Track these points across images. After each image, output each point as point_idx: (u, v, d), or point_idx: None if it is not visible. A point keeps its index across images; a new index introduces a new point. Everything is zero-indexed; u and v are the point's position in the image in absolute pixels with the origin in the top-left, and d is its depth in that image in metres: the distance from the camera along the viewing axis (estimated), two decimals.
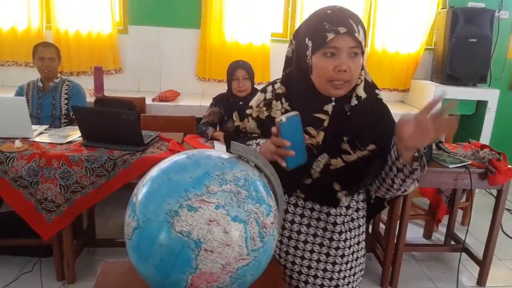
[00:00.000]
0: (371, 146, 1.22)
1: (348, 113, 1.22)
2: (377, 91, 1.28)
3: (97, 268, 2.67)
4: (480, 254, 2.82)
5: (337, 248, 1.32)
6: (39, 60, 3.00)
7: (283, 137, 1.06)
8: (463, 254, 2.84)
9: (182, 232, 0.74)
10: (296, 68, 1.26)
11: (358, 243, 1.37)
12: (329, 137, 1.22)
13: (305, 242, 1.32)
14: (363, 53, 1.17)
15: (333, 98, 1.21)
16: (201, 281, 0.77)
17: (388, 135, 1.19)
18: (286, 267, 1.36)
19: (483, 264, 2.77)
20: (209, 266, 0.75)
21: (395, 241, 2.69)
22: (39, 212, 2.33)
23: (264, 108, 1.31)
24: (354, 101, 1.21)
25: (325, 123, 1.22)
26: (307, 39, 1.17)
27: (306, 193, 1.30)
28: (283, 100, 1.28)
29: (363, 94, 1.22)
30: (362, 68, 1.23)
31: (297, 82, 1.26)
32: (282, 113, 1.24)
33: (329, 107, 1.22)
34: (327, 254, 1.32)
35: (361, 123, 1.22)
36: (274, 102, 1.30)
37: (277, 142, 1.08)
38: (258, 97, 1.35)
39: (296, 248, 1.34)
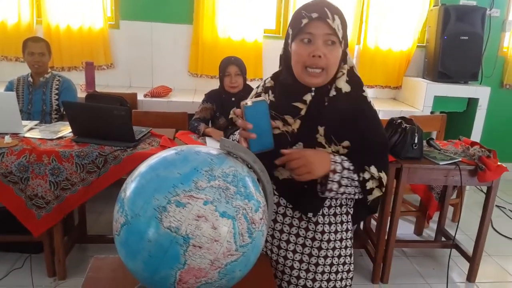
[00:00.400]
0: (346, 142, 1.24)
1: (326, 103, 1.24)
2: (364, 88, 1.28)
3: (88, 264, 2.64)
4: (470, 250, 2.84)
5: (319, 249, 1.34)
6: (29, 55, 2.97)
7: (246, 120, 1.09)
8: (453, 250, 2.86)
9: (171, 228, 0.74)
10: (283, 60, 1.31)
11: (341, 239, 1.37)
12: (305, 126, 1.24)
13: (294, 251, 1.34)
14: (342, 44, 1.20)
15: (312, 88, 1.24)
16: (190, 277, 0.76)
17: (365, 135, 1.24)
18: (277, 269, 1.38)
19: (473, 260, 2.80)
20: (198, 262, 0.75)
21: (386, 237, 2.71)
22: (29, 208, 2.31)
23: None
24: (332, 92, 1.24)
25: (302, 112, 1.25)
26: (289, 28, 1.25)
27: (281, 192, 1.31)
28: (270, 92, 1.33)
29: (344, 88, 1.24)
30: (345, 62, 1.25)
31: (283, 74, 1.31)
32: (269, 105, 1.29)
33: (308, 97, 1.25)
34: (310, 255, 1.34)
35: (337, 116, 1.23)
36: (262, 95, 1.35)
37: (241, 124, 1.12)
38: (253, 92, 1.43)
39: (285, 258, 1.35)
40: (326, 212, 1.32)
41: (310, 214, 1.29)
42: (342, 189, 1.21)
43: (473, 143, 2.76)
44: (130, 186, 0.81)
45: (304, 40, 1.18)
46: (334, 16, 1.16)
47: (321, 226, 1.32)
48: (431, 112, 4.08)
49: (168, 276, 0.76)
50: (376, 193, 1.26)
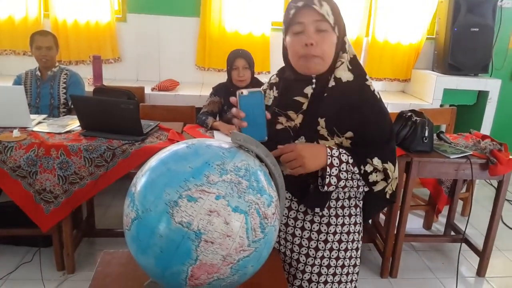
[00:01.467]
0: (349, 133, 1.21)
1: (325, 94, 1.21)
2: (367, 77, 1.26)
3: (96, 258, 2.66)
4: (480, 244, 2.82)
5: (325, 241, 1.32)
6: (36, 49, 2.97)
7: (240, 109, 1.08)
8: (463, 244, 2.84)
9: (182, 223, 0.73)
10: (283, 56, 1.31)
11: (348, 233, 1.34)
12: (306, 120, 1.23)
13: (300, 245, 1.33)
14: (336, 30, 1.19)
15: (313, 80, 1.23)
16: (202, 273, 0.75)
17: (367, 125, 1.20)
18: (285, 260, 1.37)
19: (483, 255, 2.77)
20: (210, 258, 0.74)
21: (395, 232, 2.69)
22: (37, 203, 2.32)
23: None
24: (331, 83, 1.21)
25: (304, 106, 1.24)
26: (283, 23, 1.26)
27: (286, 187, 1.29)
28: (274, 88, 1.33)
29: (344, 77, 1.22)
30: (344, 51, 1.23)
31: (286, 71, 1.31)
32: (272, 101, 1.31)
33: (309, 90, 1.24)
34: (316, 248, 1.32)
35: (336, 106, 1.20)
36: (267, 91, 1.35)
37: (234, 112, 1.11)
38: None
39: (292, 251, 1.34)
40: (334, 205, 1.30)
41: (317, 209, 1.28)
42: (342, 183, 1.18)
43: (484, 137, 2.73)
44: (140, 181, 0.80)
45: (296, 30, 1.18)
46: (321, 2, 1.15)
47: (326, 218, 1.30)
48: (441, 105, 4.04)
49: (179, 271, 0.75)
50: (381, 185, 1.23)
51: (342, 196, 1.31)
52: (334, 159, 1.16)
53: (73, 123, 2.59)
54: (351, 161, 1.18)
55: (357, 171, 1.18)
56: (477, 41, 3.95)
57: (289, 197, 1.31)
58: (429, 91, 4.02)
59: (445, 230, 3.27)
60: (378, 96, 1.25)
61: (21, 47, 3.85)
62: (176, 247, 0.73)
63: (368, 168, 1.19)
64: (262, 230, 0.79)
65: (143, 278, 0.96)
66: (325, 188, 1.18)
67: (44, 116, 2.78)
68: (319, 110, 1.21)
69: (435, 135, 2.67)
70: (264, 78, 3.55)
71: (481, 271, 2.81)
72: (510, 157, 2.51)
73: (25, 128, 2.45)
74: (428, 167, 2.50)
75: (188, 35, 4.09)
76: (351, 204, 1.33)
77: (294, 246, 1.33)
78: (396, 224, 2.67)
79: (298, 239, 1.32)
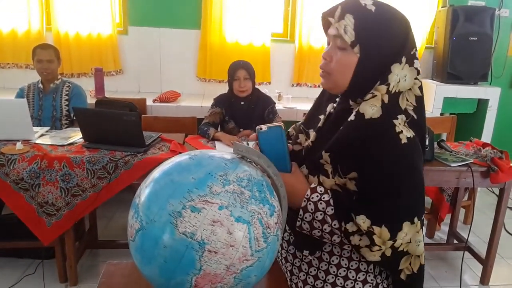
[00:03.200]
0: (353, 174, 1.00)
1: (341, 128, 1.04)
2: (399, 116, 0.99)
3: (99, 269, 2.66)
4: (483, 252, 2.81)
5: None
6: (37, 62, 3.00)
7: (260, 146, 1.03)
8: (466, 253, 2.83)
9: (186, 233, 0.74)
10: None
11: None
12: (317, 143, 1.10)
13: (297, 285, 1.17)
14: (356, 49, 0.98)
15: (337, 99, 1.11)
16: (205, 282, 0.76)
17: (370, 167, 0.98)
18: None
19: (486, 262, 2.77)
20: (213, 267, 0.75)
21: None
22: (39, 216, 2.31)
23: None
24: (351, 117, 1.02)
25: (320, 123, 1.12)
26: None
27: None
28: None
29: (368, 113, 0.99)
30: (384, 81, 0.99)
31: None
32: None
33: (329, 108, 1.13)
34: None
35: (345, 143, 1.01)
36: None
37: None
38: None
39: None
40: (338, 252, 1.10)
41: (305, 252, 1.12)
42: (317, 232, 1.02)
43: (485, 144, 2.73)
44: (144, 192, 0.81)
45: (327, 41, 1.07)
46: (344, 15, 0.97)
47: (325, 265, 1.11)
48: (441, 114, 4.06)
49: (183, 281, 0.76)
50: (368, 254, 0.99)
51: (349, 246, 1.05)
52: (310, 204, 1.01)
53: (76, 135, 2.61)
54: (330, 212, 1.00)
55: (337, 226, 0.99)
56: (476, 50, 3.98)
57: (289, 230, 1.18)
58: (429, 100, 4.04)
59: (447, 238, 3.27)
60: (403, 141, 0.97)
61: (23, 60, 3.89)
62: (180, 257, 0.74)
63: (350, 227, 0.98)
64: (265, 240, 0.80)
65: None
66: (298, 230, 1.06)
67: (46, 128, 2.79)
68: (327, 142, 1.05)
69: (435, 143, 2.68)
70: (264, 89, 3.57)
71: (484, 279, 2.80)
72: (511, 164, 2.52)
73: (28, 141, 2.47)
74: (430, 175, 2.50)
75: (189, 47, 4.13)
76: (362, 258, 1.05)
77: (292, 284, 1.18)
78: None
79: (295, 278, 1.17)
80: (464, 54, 3.97)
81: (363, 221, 0.96)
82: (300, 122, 1.24)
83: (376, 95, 0.99)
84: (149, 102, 3.60)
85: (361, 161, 0.98)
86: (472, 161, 2.53)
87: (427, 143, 2.42)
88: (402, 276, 1.05)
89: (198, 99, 3.92)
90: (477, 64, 4.05)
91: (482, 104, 4.16)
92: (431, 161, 2.50)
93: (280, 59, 4.25)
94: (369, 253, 0.99)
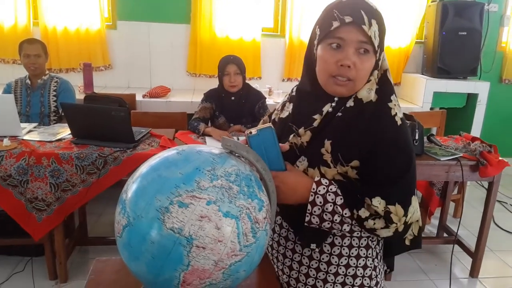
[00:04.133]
0: (355, 162, 1.04)
1: (339, 114, 1.07)
2: (392, 98, 1.08)
3: (89, 266, 2.63)
4: (472, 246, 2.84)
5: (325, 281, 1.16)
6: (24, 57, 2.96)
7: (252, 149, 0.99)
8: (456, 246, 2.85)
9: (173, 229, 0.73)
10: (305, 61, 1.15)
11: (354, 276, 1.15)
12: (314, 139, 1.09)
13: (297, 280, 1.18)
14: (376, 52, 1.04)
15: (335, 99, 1.08)
16: (194, 278, 0.75)
17: (376, 156, 1.03)
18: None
19: (476, 255, 2.79)
20: (202, 263, 0.74)
21: None
22: (29, 212, 2.30)
23: (280, 110, 1.26)
24: (350, 103, 1.06)
25: (315, 123, 1.09)
26: (317, 26, 1.08)
27: (283, 216, 1.18)
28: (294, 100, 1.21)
29: (366, 97, 1.05)
30: (377, 67, 1.08)
31: (302, 79, 1.17)
32: (287, 117, 1.19)
33: (327, 108, 1.09)
34: (314, 286, 1.17)
35: (346, 129, 1.05)
36: (287, 104, 1.23)
37: None
38: (279, 104, 1.30)
39: (288, 284, 1.22)
40: (339, 243, 1.13)
41: (313, 245, 1.12)
42: (327, 224, 1.03)
43: (474, 139, 2.75)
44: (131, 187, 0.80)
45: (333, 45, 1.02)
46: (371, 21, 1.00)
47: (326, 256, 1.13)
48: (431, 108, 4.08)
49: (171, 277, 0.75)
50: (383, 233, 1.04)
51: (356, 233, 1.12)
52: (318, 197, 1.02)
53: (64, 131, 2.58)
54: (340, 202, 1.01)
55: (348, 214, 1.02)
56: (465, 45, 4.01)
57: (286, 226, 1.18)
58: (419, 95, 4.06)
59: (437, 232, 3.29)
60: (399, 123, 1.05)
61: (10, 55, 3.84)
62: (167, 253, 0.73)
63: (363, 213, 1.02)
64: (254, 235, 0.80)
65: (136, 285, 0.96)
66: (307, 225, 1.05)
67: (34, 124, 2.76)
68: (327, 130, 1.07)
69: (425, 138, 2.69)
70: (255, 84, 3.56)
71: (474, 272, 2.83)
72: (500, 158, 2.54)
73: (15, 137, 2.44)
74: (419, 169, 2.51)
75: (179, 41, 4.10)
76: (361, 244, 1.13)
77: (291, 280, 1.19)
78: None
79: (296, 273, 1.18)
80: (453, 49, 3.99)
81: (379, 203, 1.01)
82: (288, 122, 1.18)
83: (370, 80, 1.06)
84: (138, 98, 3.57)
85: (364, 150, 1.03)
86: (461, 155, 2.54)
87: (417, 137, 2.45)
88: (407, 242, 1.13)
89: (188, 94, 3.90)
90: (467, 59, 4.08)
91: (471, 98, 4.19)
92: (420, 155, 2.51)
93: (270, 54, 4.24)
94: (384, 231, 1.04)
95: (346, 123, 1.05)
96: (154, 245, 0.74)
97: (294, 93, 1.22)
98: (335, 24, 1.00)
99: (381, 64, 1.09)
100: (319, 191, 1.02)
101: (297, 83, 1.23)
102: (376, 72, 1.07)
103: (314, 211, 1.02)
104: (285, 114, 1.21)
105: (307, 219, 1.03)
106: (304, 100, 1.16)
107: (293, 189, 1.02)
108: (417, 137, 2.48)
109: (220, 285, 0.79)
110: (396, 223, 1.03)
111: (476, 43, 4.06)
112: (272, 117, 1.29)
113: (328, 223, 1.03)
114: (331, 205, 1.01)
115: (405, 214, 1.03)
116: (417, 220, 1.11)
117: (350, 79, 1.03)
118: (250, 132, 1.00)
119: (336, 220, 1.02)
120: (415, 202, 1.06)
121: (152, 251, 0.74)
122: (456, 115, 4.25)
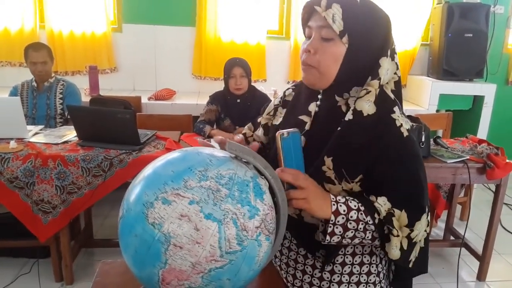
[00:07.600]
0: (360, 177, 1.00)
1: (338, 129, 1.00)
2: (395, 109, 1.01)
3: (95, 268, 2.63)
4: (479, 249, 2.82)
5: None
6: (31, 64, 2.98)
7: (284, 154, 0.95)
8: (463, 249, 2.83)
9: (154, 224, 0.73)
10: None
11: (358, 283, 1.12)
12: (310, 148, 1.04)
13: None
14: (345, 40, 0.97)
15: (319, 96, 1.06)
16: (172, 278, 0.74)
17: (380, 169, 0.98)
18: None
19: (483, 259, 2.77)
20: (178, 263, 0.73)
21: None
22: (35, 214, 2.31)
23: (272, 115, 1.23)
24: (349, 116, 0.99)
25: (307, 126, 1.06)
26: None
27: (292, 233, 1.13)
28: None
29: (365, 110, 0.98)
30: (375, 76, 1.00)
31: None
32: (281, 121, 1.16)
33: (312, 107, 1.07)
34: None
35: (348, 145, 0.99)
36: (279, 109, 1.20)
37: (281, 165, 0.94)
38: (271, 103, 1.26)
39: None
40: (342, 251, 1.10)
41: (319, 253, 1.08)
42: (350, 234, 0.96)
43: (481, 141, 2.73)
44: (133, 182, 0.83)
45: (306, 34, 1.02)
46: (331, 4, 0.94)
47: (330, 265, 1.11)
48: (437, 111, 4.05)
49: (152, 274, 0.75)
50: (394, 241, 0.98)
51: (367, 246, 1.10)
52: (340, 206, 0.95)
53: (70, 134, 2.59)
54: (362, 208, 0.96)
55: (371, 221, 0.96)
56: (471, 47, 3.98)
57: (289, 237, 1.16)
58: (425, 97, 4.04)
59: (444, 234, 3.27)
60: (405, 134, 0.98)
61: (17, 59, 3.86)
62: (147, 248, 0.74)
63: (381, 215, 0.97)
64: (240, 243, 0.76)
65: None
66: (328, 239, 0.96)
67: (40, 126, 2.78)
68: (325, 147, 1.01)
69: (431, 140, 2.68)
70: (260, 86, 3.56)
71: (481, 275, 2.80)
72: (507, 161, 2.52)
73: (22, 139, 2.45)
74: (426, 172, 2.49)
75: (184, 44, 4.11)
76: (365, 251, 1.11)
77: None
78: None
79: (299, 282, 1.16)
80: (459, 51, 3.97)
81: (384, 203, 0.97)
82: (277, 125, 1.15)
83: (370, 91, 0.99)
84: (144, 100, 3.58)
85: (369, 163, 0.98)
86: (468, 157, 2.52)
87: (423, 139, 2.44)
88: (411, 265, 1.04)
89: (194, 97, 3.91)
90: (473, 61, 4.05)
91: (477, 100, 4.16)
92: (427, 158, 2.50)
93: (275, 56, 4.24)
94: (391, 248, 0.98)
95: (347, 139, 0.99)
96: (137, 238, 0.75)
97: (286, 98, 1.20)
98: (303, 12, 1.02)
99: (383, 75, 1.00)
100: (340, 200, 0.96)
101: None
102: (375, 82, 0.99)
103: (338, 221, 0.95)
104: (278, 120, 1.18)
105: (329, 229, 0.95)
106: (296, 102, 1.15)
107: (322, 199, 0.95)
108: (423, 139, 2.47)
109: None
110: (397, 230, 0.97)
111: (482, 45, 4.03)
112: (262, 122, 1.26)
113: (351, 232, 0.96)
114: (355, 213, 0.95)
115: (409, 227, 0.98)
116: (420, 241, 1.03)
117: (310, 65, 1.01)
118: (283, 134, 0.94)
119: (360, 228, 0.96)
120: (424, 220, 1.00)
121: (135, 245, 0.75)
122: (463, 117, 4.22)
